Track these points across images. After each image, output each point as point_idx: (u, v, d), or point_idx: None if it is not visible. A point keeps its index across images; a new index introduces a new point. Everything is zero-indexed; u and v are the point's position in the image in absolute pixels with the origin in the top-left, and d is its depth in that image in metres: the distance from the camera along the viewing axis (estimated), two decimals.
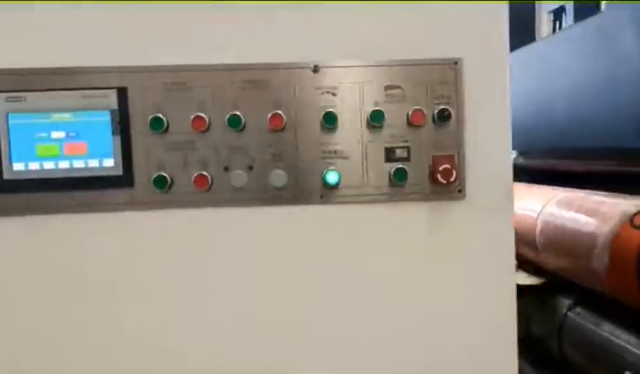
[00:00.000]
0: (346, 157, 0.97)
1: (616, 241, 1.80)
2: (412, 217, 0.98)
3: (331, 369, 1.00)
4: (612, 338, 1.94)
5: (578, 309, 2.20)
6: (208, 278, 0.97)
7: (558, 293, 2.28)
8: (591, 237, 1.91)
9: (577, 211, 2.07)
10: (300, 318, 0.99)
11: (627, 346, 1.85)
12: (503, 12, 0.97)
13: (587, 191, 2.18)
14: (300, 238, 0.98)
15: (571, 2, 3.91)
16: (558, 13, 4.30)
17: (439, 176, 0.94)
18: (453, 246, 0.99)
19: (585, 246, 1.94)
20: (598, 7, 3.53)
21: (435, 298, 1.00)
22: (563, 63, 2.39)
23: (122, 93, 0.93)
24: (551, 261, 2.14)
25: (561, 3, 4.11)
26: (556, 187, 2.37)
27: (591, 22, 2.21)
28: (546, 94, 2.50)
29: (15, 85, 0.92)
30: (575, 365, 2.16)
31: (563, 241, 2.06)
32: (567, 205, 2.16)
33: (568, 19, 4.06)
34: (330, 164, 0.96)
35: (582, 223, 1.99)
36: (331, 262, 0.98)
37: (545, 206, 2.24)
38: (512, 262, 1.00)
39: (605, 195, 2.01)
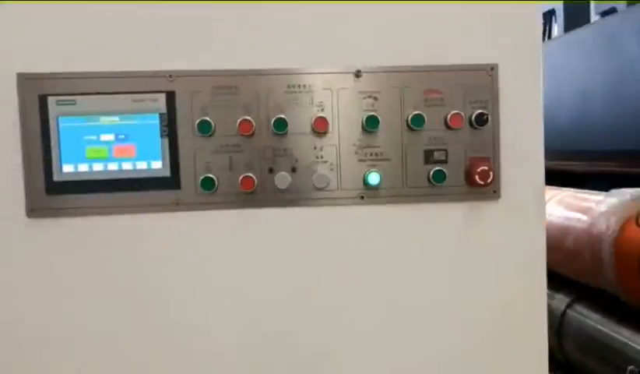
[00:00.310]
0: (387, 159, 0.99)
1: (620, 239, 1.85)
2: (449, 217, 1.02)
3: (366, 362, 1.03)
4: (611, 334, 1.99)
5: (577, 306, 2.25)
6: (253, 277, 0.99)
7: (557, 290, 2.33)
8: (594, 235, 1.96)
9: (578, 210, 2.12)
10: (342, 314, 1.02)
11: (628, 342, 1.90)
12: (537, 20, 1.01)
13: (589, 191, 2.23)
14: (342, 238, 1.00)
15: (561, 3, 3.97)
16: (548, 16, 4.36)
17: (477, 177, 0.97)
18: (488, 245, 1.02)
19: (588, 245, 1.99)
20: (588, 8, 3.59)
21: (469, 295, 1.03)
22: (567, 67, 2.44)
23: (170, 96, 0.95)
24: (551, 259, 2.19)
25: (551, 4, 4.17)
26: (558, 187, 2.42)
27: (595, 26, 2.26)
28: (550, 96, 2.55)
29: (65, 89, 0.93)
30: (575, 361, 2.21)
31: (564, 240, 2.11)
32: (568, 204, 2.21)
33: (559, 22, 4.11)
34: (371, 165, 0.99)
35: (584, 222, 2.04)
36: (372, 260, 1.01)
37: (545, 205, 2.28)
38: (543, 260, 1.04)
39: (608, 195, 2.06)
